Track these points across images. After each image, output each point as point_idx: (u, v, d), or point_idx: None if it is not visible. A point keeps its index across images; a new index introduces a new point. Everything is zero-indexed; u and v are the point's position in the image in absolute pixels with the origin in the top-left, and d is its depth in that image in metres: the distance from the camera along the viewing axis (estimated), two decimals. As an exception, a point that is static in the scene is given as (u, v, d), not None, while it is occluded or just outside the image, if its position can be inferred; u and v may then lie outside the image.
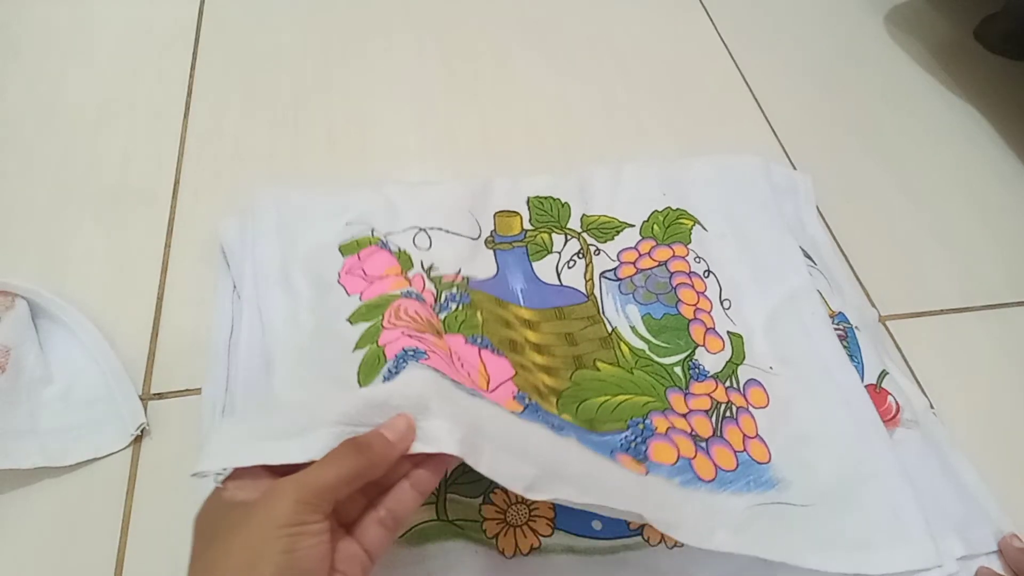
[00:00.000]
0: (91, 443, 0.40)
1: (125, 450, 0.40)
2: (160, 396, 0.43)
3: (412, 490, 0.30)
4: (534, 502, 0.38)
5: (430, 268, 0.47)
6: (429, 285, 0.46)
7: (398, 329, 0.40)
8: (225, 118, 0.57)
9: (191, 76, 0.60)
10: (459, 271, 0.47)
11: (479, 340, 0.43)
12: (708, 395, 0.43)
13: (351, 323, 0.41)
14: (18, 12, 0.63)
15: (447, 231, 0.49)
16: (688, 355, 0.45)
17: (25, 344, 0.41)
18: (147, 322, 0.45)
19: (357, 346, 0.40)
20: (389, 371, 0.37)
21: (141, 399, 0.42)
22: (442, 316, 0.44)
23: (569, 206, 0.52)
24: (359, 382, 0.38)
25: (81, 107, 0.57)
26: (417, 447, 0.29)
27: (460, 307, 0.45)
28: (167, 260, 0.49)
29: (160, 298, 0.47)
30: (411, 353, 0.37)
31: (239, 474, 0.28)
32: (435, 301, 0.45)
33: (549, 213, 0.52)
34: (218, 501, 0.27)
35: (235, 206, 0.49)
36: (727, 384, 0.44)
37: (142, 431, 0.41)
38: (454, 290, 0.46)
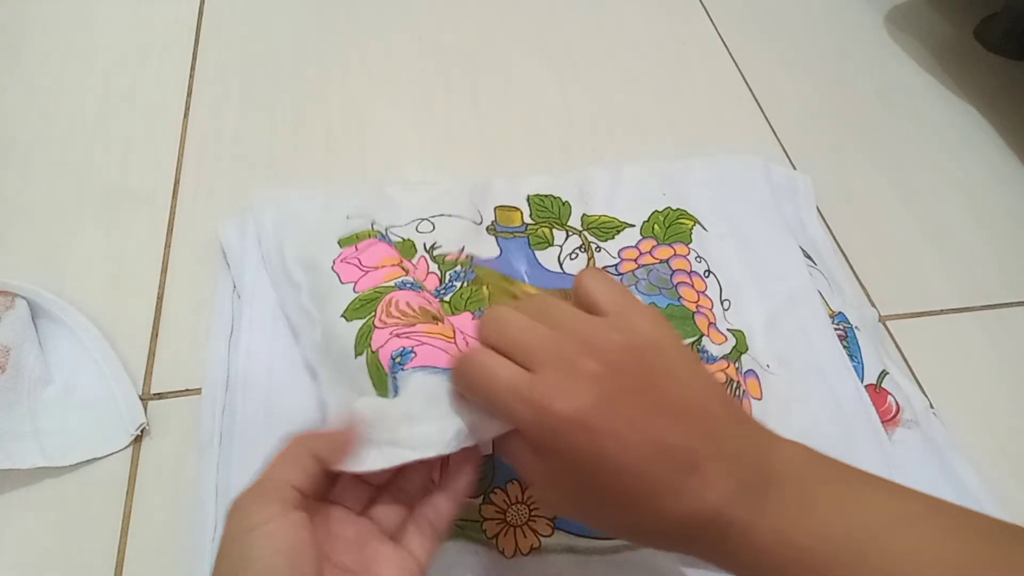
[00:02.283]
0: (91, 443, 0.40)
1: (125, 450, 0.40)
2: (160, 396, 0.43)
3: (446, 495, 0.31)
4: (534, 502, 0.38)
5: (433, 247, 0.47)
6: (433, 267, 0.46)
7: (387, 329, 0.39)
8: (225, 118, 0.57)
9: (191, 76, 0.60)
10: (463, 249, 0.47)
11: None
12: (723, 371, 0.43)
13: (346, 319, 0.40)
14: (18, 12, 0.63)
15: (449, 215, 0.49)
16: (697, 339, 0.45)
17: (25, 344, 0.41)
18: (147, 322, 0.45)
19: (357, 352, 0.39)
20: (394, 386, 0.36)
21: (141, 399, 0.42)
22: (447, 297, 0.44)
23: (569, 205, 0.52)
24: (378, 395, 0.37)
25: (81, 107, 0.57)
26: (412, 455, 0.29)
27: (465, 284, 0.45)
28: (167, 260, 0.49)
29: (160, 298, 0.47)
30: (398, 359, 0.37)
31: None
32: (440, 283, 0.45)
33: (549, 210, 0.52)
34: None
35: (235, 206, 0.49)
36: (736, 365, 0.44)
37: (142, 431, 0.41)
38: (458, 268, 0.46)
